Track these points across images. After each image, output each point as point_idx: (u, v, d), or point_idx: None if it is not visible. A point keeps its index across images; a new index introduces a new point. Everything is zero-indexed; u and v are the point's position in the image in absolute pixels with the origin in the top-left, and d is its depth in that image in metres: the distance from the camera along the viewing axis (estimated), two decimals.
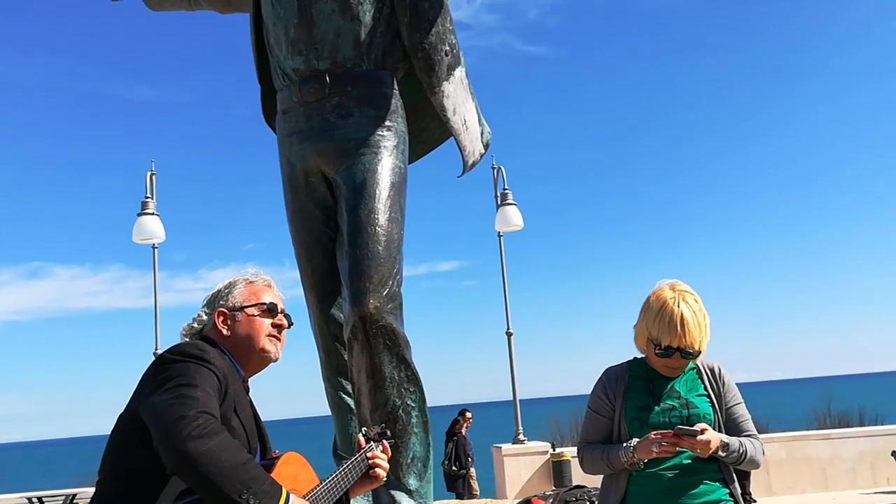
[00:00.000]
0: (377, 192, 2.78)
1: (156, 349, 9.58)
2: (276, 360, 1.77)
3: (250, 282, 1.78)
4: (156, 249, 10.18)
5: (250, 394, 1.75)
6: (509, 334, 10.08)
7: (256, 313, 1.73)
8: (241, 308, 1.72)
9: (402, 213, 2.87)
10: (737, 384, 2.16)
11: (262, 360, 1.74)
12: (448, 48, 3.00)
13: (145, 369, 1.57)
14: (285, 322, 1.79)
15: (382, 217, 2.75)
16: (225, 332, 1.70)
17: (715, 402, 2.07)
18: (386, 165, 2.84)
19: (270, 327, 1.74)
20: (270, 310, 1.75)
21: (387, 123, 2.90)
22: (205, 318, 1.74)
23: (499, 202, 11.10)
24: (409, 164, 3.06)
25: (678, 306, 2.00)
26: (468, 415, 10.43)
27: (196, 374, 1.49)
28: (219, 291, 1.77)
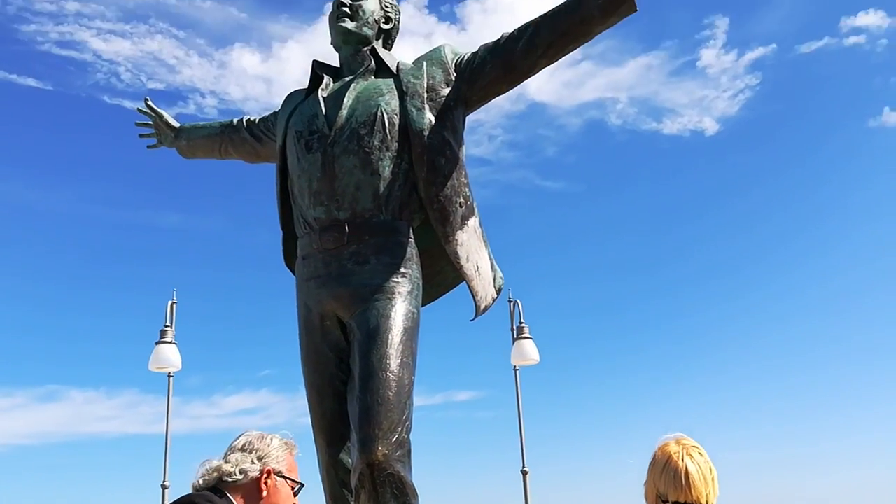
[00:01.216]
0: (390, 337, 2.84)
1: (164, 480, 9.42)
2: None
3: (288, 449, 1.84)
4: (171, 378, 10.20)
5: None
6: (524, 472, 9.84)
7: (291, 486, 1.78)
8: (284, 476, 1.77)
9: (414, 358, 2.92)
10: None
11: None
12: (462, 200, 3.14)
13: None
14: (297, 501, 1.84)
15: (394, 362, 2.79)
16: (264, 492, 1.74)
17: None
18: (399, 311, 2.91)
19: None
20: (298, 490, 1.80)
21: (402, 270, 3.00)
22: (248, 469, 1.77)
23: (515, 336, 11.10)
24: (424, 305, 3.14)
25: (682, 460, 2.01)
26: None
27: None
28: (265, 448, 1.81)
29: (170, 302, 10.28)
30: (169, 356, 9.91)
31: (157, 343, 9.98)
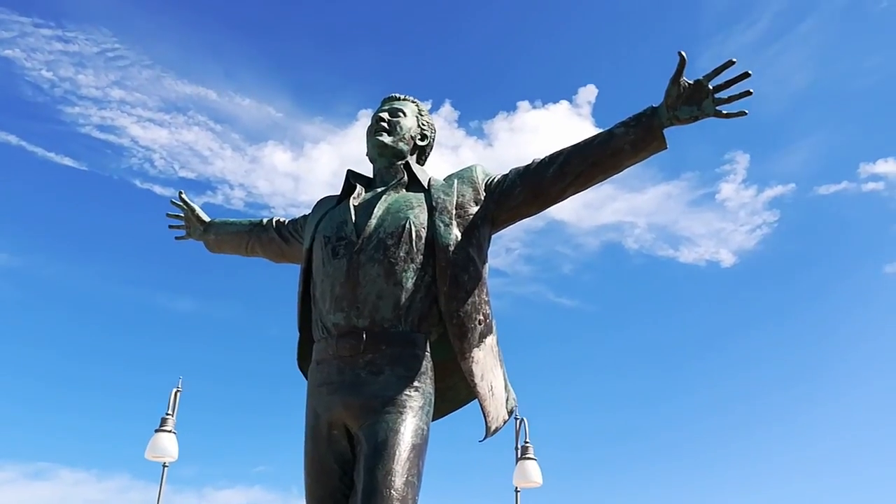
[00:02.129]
0: (397, 453, 2.78)
1: None
2: None
3: None
4: (166, 468, 9.98)
5: None
6: None
7: None
8: None
9: (420, 477, 2.84)
10: None
11: None
12: (482, 317, 3.13)
13: None
14: None
15: (399, 480, 2.72)
16: None
17: None
18: (409, 427, 2.86)
19: None
20: None
21: (415, 384, 2.96)
22: None
23: (518, 455, 10.82)
24: (433, 420, 3.09)
25: None
26: None
27: None
28: None
29: (174, 390, 10.17)
30: (166, 445, 9.72)
31: (156, 430, 9.82)
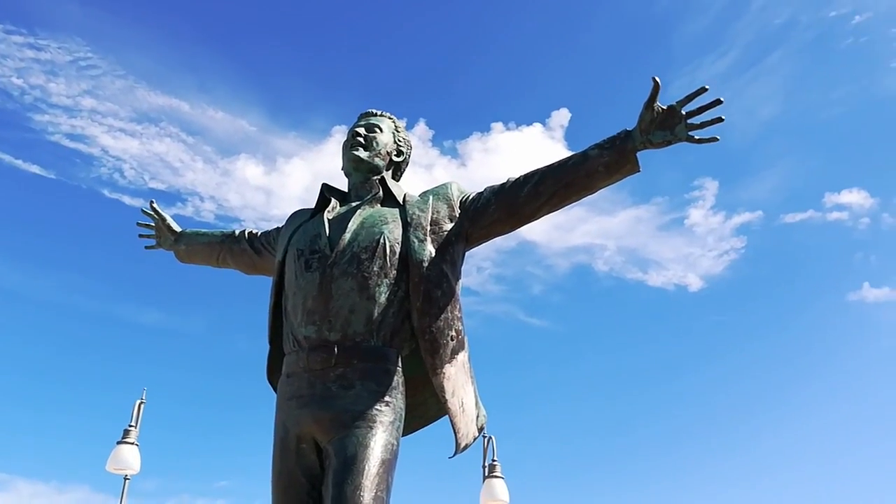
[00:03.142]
0: (367, 467, 2.76)
1: None
2: None
3: None
4: (127, 480, 9.80)
5: None
6: None
7: None
8: None
9: (388, 492, 2.83)
10: None
11: None
12: (454, 333, 3.14)
13: None
14: None
15: (368, 495, 2.71)
16: None
17: None
18: (379, 441, 2.85)
19: None
20: None
21: (386, 399, 2.96)
22: None
23: (486, 473, 10.80)
24: (403, 436, 3.08)
25: None
26: None
27: None
28: None
29: (138, 401, 10.02)
30: (128, 457, 9.55)
31: (118, 442, 9.65)
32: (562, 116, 25.46)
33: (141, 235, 4.32)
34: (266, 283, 3.50)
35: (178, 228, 4.20)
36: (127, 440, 9.69)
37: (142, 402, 10.02)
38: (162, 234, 4.23)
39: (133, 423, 9.85)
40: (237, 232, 3.94)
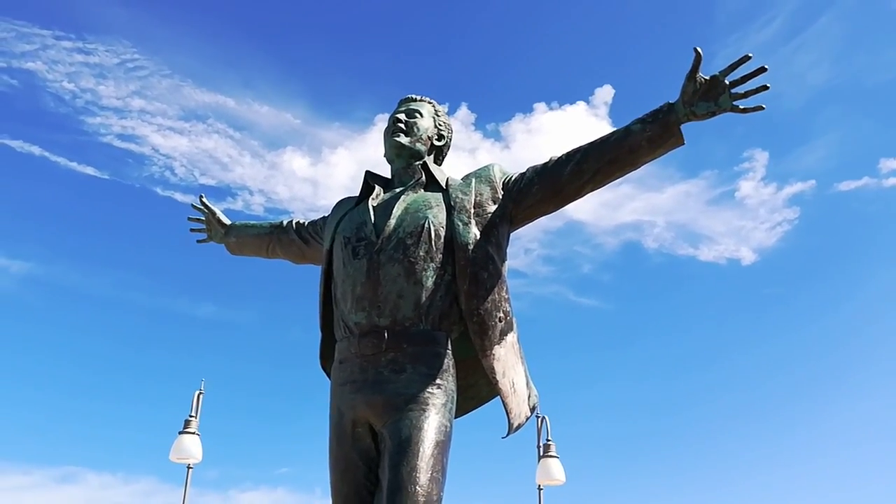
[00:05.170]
0: (421, 449, 2.80)
1: None
2: None
3: None
4: (190, 469, 10.06)
5: None
6: None
7: None
8: None
9: (444, 473, 2.86)
10: None
11: None
12: (502, 315, 3.15)
13: None
14: None
15: (424, 476, 2.75)
16: None
17: None
18: (432, 424, 2.88)
19: None
20: None
21: (437, 381, 2.99)
22: None
23: (541, 453, 10.80)
24: (456, 418, 3.11)
25: None
26: None
27: None
28: None
29: (197, 392, 10.26)
30: (190, 447, 9.81)
31: (179, 432, 9.90)
32: (605, 93, 25.10)
33: (192, 230, 4.42)
34: (315, 272, 3.55)
35: (227, 221, 4.28)
36: (188, 430, 9.93)
37: (200, 393, 10.27)
38: (212, 228, 4.32)
39: (193, 414, 10.10)
40: (285, 223, 4.00)
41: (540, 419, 10.96)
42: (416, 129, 3.48)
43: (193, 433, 9.96)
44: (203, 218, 4.36)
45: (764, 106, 2.97)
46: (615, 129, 3.20)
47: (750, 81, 2.95)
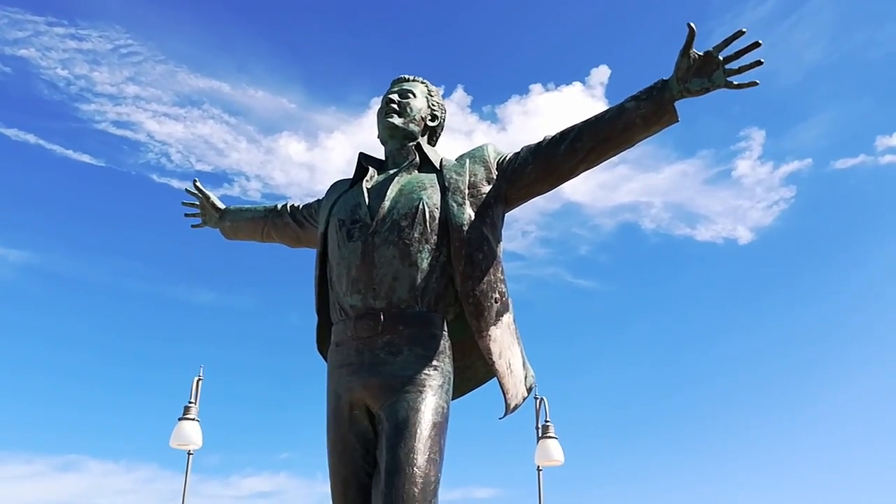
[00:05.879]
0: (418, 431, 2.80)
1: None
2: None
3: None
4: (191, 455, 10.09)
5: None
6: None
7: None
8: None
9: (442, 455, 2.87)
10: None
11: None
12: (498, 296, 3.15)
13: None
14: None
15: (421, 458, 2.75)
16: None
17: None
18: (429, 405, 2.88)
19: None
20: None
21: (434, 363, 2.98)
22: None
23: (539, 434, 10.85)
24: (453, 399, 3.11)
25: None
26: None
27: None
28: None
29: (196, 378, 10.28)
30: (190, 433, 9.83)
31: (179, 419, 9.93)
32: (601, 73, 24.98)
33: (187, 215, 4.40)
34: (312, 255, 3.54)
35: (221, 206, 4.27)
36: (188, 416, 9.96)
37: (199, 379, 10.28)
38: (207, 213, 4.30)
39: (193, 400, 10.12)
40: (280, 206, 3.99)
41: (538, 400, 11.01)
42: (409, 110, 3.46)
43: (193, 419, 9.99)
44: (197, 203, 4.34)
45: (758, 81, 2.95)
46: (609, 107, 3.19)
47: (744, 57, 2.93)
